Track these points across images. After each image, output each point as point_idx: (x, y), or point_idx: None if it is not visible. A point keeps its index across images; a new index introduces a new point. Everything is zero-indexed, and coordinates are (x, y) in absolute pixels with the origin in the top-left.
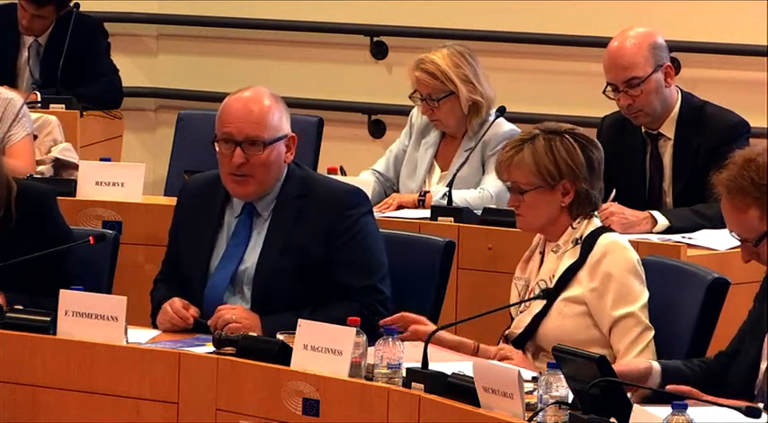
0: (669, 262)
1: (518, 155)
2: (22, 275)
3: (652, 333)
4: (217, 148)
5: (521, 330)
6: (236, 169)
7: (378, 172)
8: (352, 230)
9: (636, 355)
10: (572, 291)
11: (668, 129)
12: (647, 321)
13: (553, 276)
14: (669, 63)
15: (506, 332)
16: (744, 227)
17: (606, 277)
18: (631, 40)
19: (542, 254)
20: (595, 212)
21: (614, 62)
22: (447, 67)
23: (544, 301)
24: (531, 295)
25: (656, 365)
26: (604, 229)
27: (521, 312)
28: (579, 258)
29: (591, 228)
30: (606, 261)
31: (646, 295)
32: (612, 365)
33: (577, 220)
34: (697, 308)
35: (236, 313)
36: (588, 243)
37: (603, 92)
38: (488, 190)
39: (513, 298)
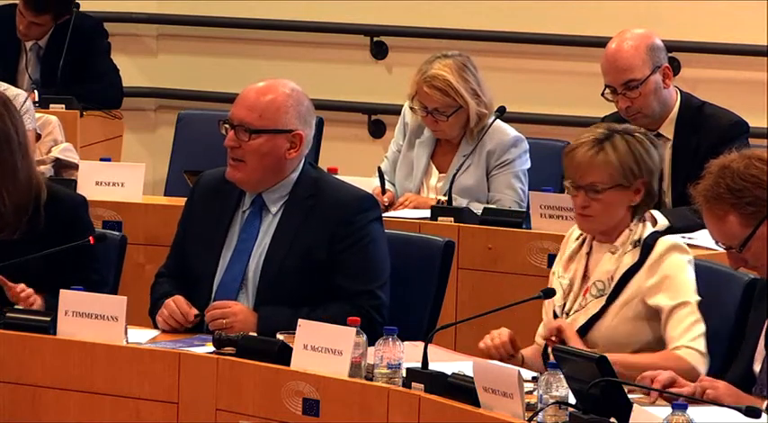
0: (701, 263)
1: (600, 154)
2: (48, 281)
3: (704, 327)
4: None
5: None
6: (229, 152)
7: (388, 180)
8: (357, 235)
9: (689, 340)
10: (630, 291)
11: (667, 129)
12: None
13: (612, 277)
14: (667, 64)
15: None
16: (726, 235)
17: (664, 274)
18: (629, 42)
19: (588, 254)
20: (647, 215)
21: (612, 65)
22: (457, 82)
23: (602, 302)
24: (587, 295)
25: None
26: (658, 232)
27: (575, 312)
28: (639, 260)
29: (648, 230)
30: (666, 261)
31: (697, 297)
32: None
33: (634, 222)
34: (733, 309)
35: (229, 312)
36: (648, 245)
37: (602, 94)
38: (510, 208)
39: (557, 296)
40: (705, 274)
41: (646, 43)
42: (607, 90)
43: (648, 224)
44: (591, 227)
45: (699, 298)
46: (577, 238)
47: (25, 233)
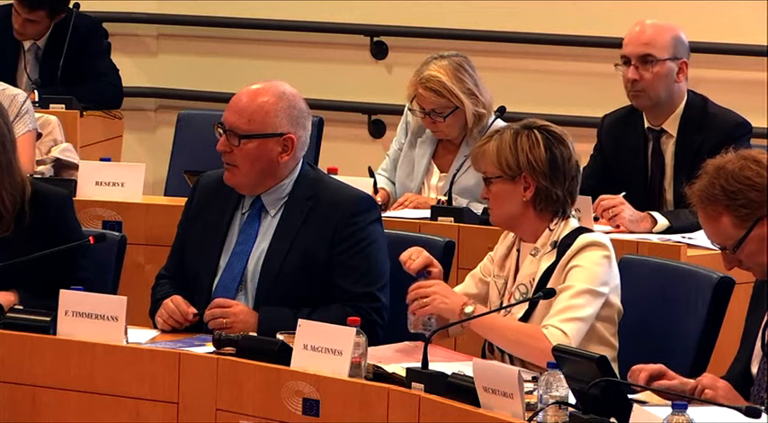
0: (671, 263)
1: (485, 146)
2: (35, 278)
3: (588, 315)
4: None
5: None
6: (223, 156)
7: (388, 178)
8: (357, 237)
9: (558, 321)
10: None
11: (671, 126)
12: (590, 307)
13: (533, 280)
14: (686, 61)
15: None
16: (720, 235)
17: (570, 266)
18: (658, 24)
19: (518, 252)
20: (572, 213)
21: (636, 36)
22: (452, 83)
23: (525, 307)
24: (512, 298)
25: None
26: (582, 229)
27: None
28: (555, 261)
29: (568, 229)
30: (578, 256)
31: (600, 287)
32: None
33: (555, 222)
34: (704, 308)
35: (230, 312)
36: (565, 245)
37: (616, 65)
38: None
39: (493, 296)
40: (674, 275)
41: (673, 32)
42: (621, 61)
43: (572, 221)
44: (491, 218)
45: (600, 290)
46: (513, 236)
47: (12, 230)
